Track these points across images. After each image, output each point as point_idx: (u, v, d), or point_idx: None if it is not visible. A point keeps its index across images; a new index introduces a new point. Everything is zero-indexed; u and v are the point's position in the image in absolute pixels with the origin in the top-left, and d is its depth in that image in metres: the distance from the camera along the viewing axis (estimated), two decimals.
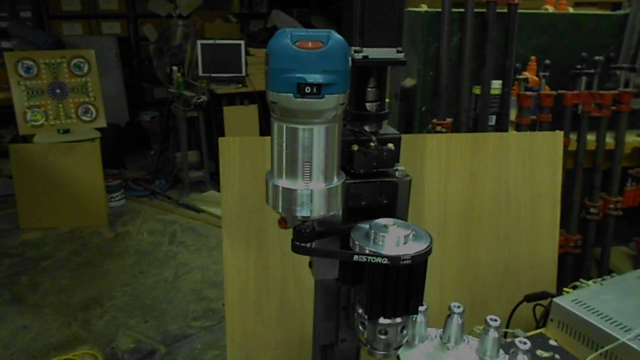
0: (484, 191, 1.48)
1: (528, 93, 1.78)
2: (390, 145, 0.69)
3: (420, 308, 0.98)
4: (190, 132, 4.53)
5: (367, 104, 0.69)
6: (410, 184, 0.69)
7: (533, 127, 1.82)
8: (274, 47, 0.51)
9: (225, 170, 1.29)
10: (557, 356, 1.09)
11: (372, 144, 0.68)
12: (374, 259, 0.58)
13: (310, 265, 0.75)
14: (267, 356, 1.40)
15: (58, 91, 3.79)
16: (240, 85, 4.33)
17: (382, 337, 0.65)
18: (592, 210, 2.00)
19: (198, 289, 2.96)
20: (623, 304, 1.10)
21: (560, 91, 1.84)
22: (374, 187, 0.68)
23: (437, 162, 1.44)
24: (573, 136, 1.91)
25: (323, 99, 0.52)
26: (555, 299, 1.15)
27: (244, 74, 4.27)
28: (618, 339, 0.99)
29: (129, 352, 2.41)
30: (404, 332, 0.68)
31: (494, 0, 1.69)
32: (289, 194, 0.57)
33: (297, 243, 0.62)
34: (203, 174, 4.48)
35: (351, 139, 0.68)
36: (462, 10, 1.69)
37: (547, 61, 1.80)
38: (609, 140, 1.95)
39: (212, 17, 5.38)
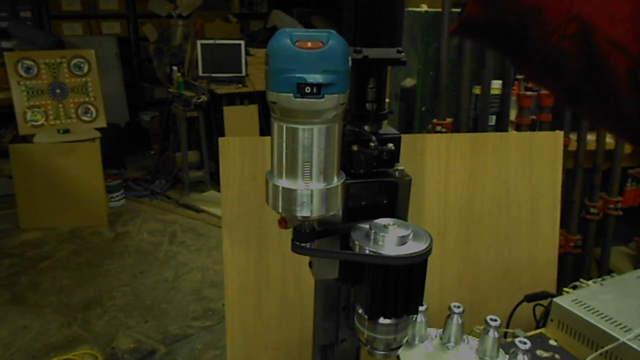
0: (484, 191, 1.48)
1: (528, 93, 1.78)
2: (390, 145, 0.69)
3: (420, 308, 0.98)
4: (190, 132, 4.53)
5: (367, 104, 0.69)
6: (410, 184, 0.69)
7: (533, 127, 1.82)
8: (274, 47, 0.51)
9: (225, 170, 1.28)
10: (557, 356, 1.09)
11: (372, 144, 0.68)
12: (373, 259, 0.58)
13: (310, 265, 0.75)
14: (267, 356, 1.40)
15: (58, 91, 3.79)
16: (240, 85, 4.33)
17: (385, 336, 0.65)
18: (592, 210, 2.00)
19: (198, 289, 2.96)
20: (623, 304, 1.10)
21: None
22: (374, 187, 0.68)
23: (437, 162, 1.44)
24: (573, 136, 1.91)
25: (323, 99, 0.52)
26: (555, 299, 1.15)
27: (244, 74, 4.26)
28: (618, 339, 0.99)
29: (129, 352, 2.41)
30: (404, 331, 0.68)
31: None
32: (289, 194, 0.57)
33: (297, 243, 0.62)
34: (203, 174, 4.48)
35: (351, 139, 0.68)
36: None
37: None
38: (609, 140, 1.95)
39: (212, 17, 5.38)
